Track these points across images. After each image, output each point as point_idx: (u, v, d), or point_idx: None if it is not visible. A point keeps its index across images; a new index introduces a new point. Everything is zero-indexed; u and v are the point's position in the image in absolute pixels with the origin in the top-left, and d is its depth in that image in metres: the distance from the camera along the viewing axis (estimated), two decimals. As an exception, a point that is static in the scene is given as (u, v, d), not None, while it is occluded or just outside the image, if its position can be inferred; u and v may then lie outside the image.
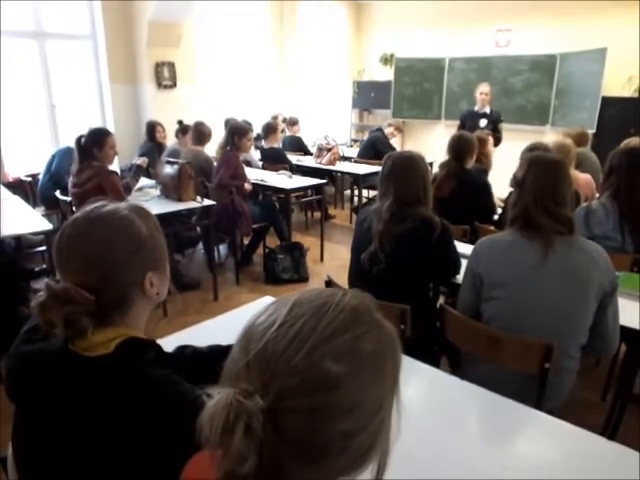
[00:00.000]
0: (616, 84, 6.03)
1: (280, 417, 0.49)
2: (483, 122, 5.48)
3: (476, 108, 5.64)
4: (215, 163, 4.49)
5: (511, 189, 1.83)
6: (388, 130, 6.08)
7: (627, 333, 1.78)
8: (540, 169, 1.69)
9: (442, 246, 2.05)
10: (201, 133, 4.62)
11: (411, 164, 2.09)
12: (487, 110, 5.57)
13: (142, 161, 3.86)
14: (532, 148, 2.83)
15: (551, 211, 1.64)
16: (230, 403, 0.47)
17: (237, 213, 4.15)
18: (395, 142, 7.16)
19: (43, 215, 3.65)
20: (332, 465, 0.53)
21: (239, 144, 4.24)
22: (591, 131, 5.84)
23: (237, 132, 4.25)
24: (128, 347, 0.89)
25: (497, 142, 4.90)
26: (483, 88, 5.58)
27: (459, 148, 3.18)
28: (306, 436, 0.50)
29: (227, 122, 5.77)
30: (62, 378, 0.87)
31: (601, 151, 3.46)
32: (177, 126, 5.18)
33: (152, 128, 5.24)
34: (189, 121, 5.13)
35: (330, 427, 0.51)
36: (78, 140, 3.21)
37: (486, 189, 3.25)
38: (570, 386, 1.73)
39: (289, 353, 0.50)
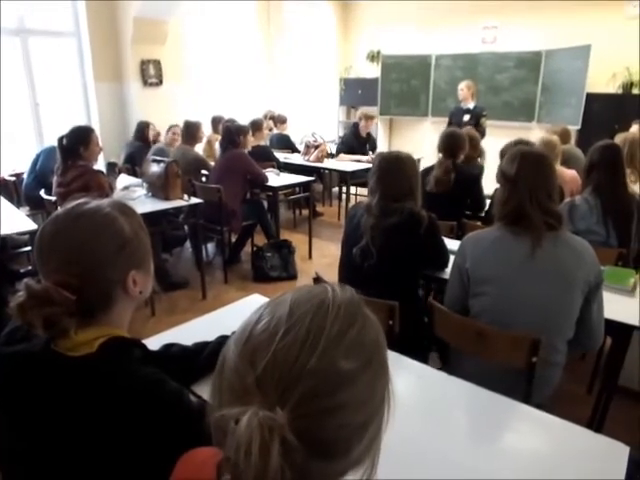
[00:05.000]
0: (600, 81, 6.09)
1: (303, 423, 0.47)
2: (466, 117, 5.65)
3: (461, 104, 5.84)
4: (212, 162, 4.53)
5: (497, 185, 1.84)
6: (360, 122, 5.97)
7: (612, 326, 1.80)
8: (534, 164, 1.69)
9: (430, 239, 2.09)
10: (190, 133, 4.63)
11: (397, 165, 2.13)
12: (471, 106, 5.75)
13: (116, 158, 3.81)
14: (516, 144, 2.85)
15: (544, 206, 1.65)
16: (259, 422, 0.44)
17: (232, 210, 4.16)
18: (381, 135, 7.10)
19: (28, 215, 3.60)
20: (353, 456, 0.53)
21: (244, 142, 4.37)
22: (576, 127, 5.92)
23: (241, 131, 4.37)
24: (112, 346, 0.88)
25: (481, 136, 4.99)
26: (460, 86, 5.81)
27: (450, 144, 3.23)
28: (330, 434, 0.49)
29: (214, 120, 5.75)
30: (45, 379, 0.85)
31: (586, 147, 3.49)
32: (166, 125, 5.15)
33: (143, 130, 5.15)
34: (175, 119, 5.10)
35: (352, 420, 0.51)
36: (60, 140, 3.17)
37: (477, 183, 3.31)
38: (557, 380, 1.75)
39: (302, 358, 0.49)
